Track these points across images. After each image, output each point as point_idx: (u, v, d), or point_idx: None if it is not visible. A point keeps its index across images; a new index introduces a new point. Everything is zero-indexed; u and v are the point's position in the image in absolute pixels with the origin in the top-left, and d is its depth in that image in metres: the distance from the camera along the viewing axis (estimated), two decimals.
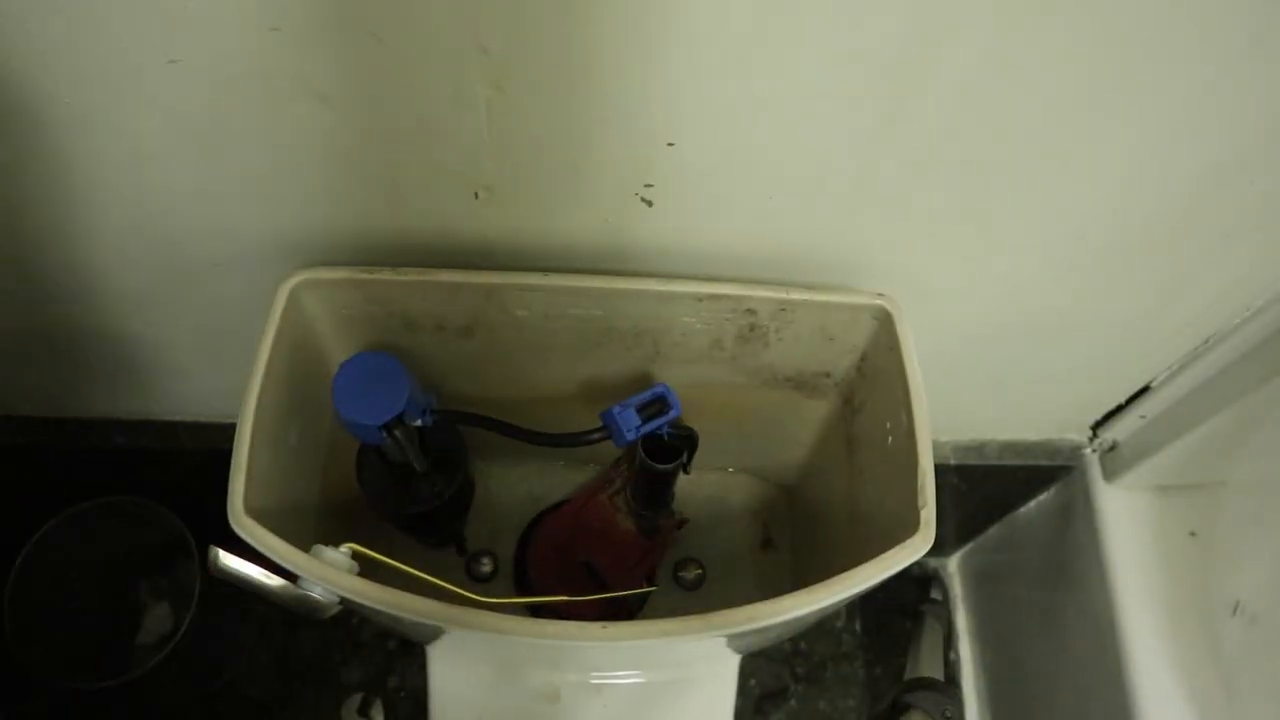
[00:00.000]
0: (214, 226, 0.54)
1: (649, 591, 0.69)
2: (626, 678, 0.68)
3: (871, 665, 1.15)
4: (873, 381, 0.59)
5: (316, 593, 0.45)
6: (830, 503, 0.68)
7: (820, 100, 0.43)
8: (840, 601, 0.47)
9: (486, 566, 0.69)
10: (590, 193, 0.50)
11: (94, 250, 0.56)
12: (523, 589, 0.68)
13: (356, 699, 1.06)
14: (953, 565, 1.17)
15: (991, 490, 0.92)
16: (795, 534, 0.76)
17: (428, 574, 0.49)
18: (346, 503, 0.60)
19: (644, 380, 0.64)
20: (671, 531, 0.69)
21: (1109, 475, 0.81)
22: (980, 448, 0.85)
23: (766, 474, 0.77)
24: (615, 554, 0.67)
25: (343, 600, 0.46)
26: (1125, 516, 0.80)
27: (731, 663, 0.68)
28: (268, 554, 0.44)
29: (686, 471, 0.65)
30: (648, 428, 0.55)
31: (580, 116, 0.44)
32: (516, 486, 0.73)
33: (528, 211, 0.52)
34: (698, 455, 0.62)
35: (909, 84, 0.42)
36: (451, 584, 0.50)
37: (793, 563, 0.75)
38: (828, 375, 0.64)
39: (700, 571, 0.73)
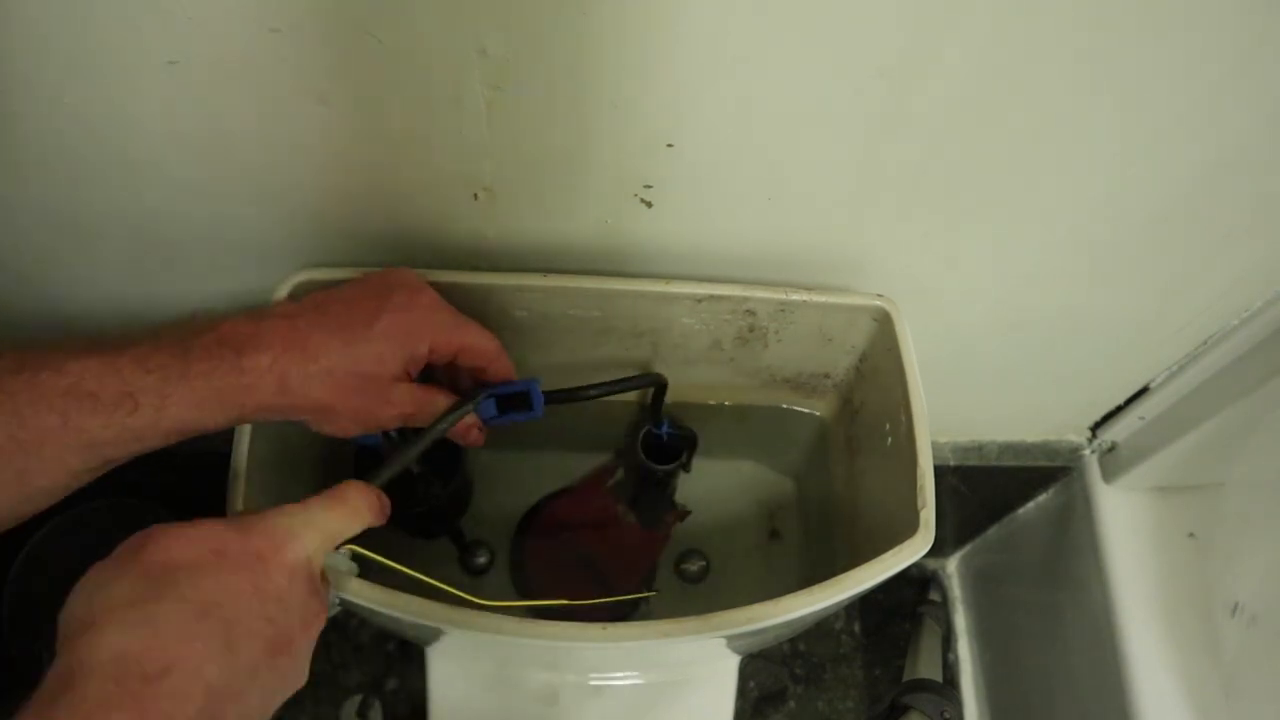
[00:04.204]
0: (213, 227, 0.54)
1: (650, 596, 0.69)
2: (625, 679, 0.67)
3: (870, 666, 1.15)
4: (872, 382, 0.59)
5: None
6: (831, 503, 0.68)
7: (820, 101, 0.43)
8: (840, 602, 0.47)
9: (482, 559, 0.69)
10: (589, 194, 0.50)
11: (93, 252, 0.56)
12: (519, 581, 0.68)
13: (355, 701, 1.06)
14: (952, 566, 1.17)
15: (991, 491, 0.92)
16: (803, 526, 0.76)
17: (424, 568, 0.49)
18: None
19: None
20: (673, 525, 0.69)
21: (1108, 476, 0.81)
22: (979, 449, 0.85)
23: (772, 465, 0.77)
24: (615, 547, 0.67)
25: (342, 601, 0.46)
26: (1124, 517, 0.80)
27: (731, 664, 0.68)
28: None
29: (686, 470, 0.65)
30: (501, 420, 0.53)
31: (580, 117, 0.44)
32: (513, 476, 0.73)
33: (527, 212, 0.52)
34: (700, 449, 0.63)
35: (908, 84, 0.42)
36: (448, 579, 0.50)
37: (800, 555, 0.74)
38: (827, 376, 0.64)
39: (704, 564, 0.73)
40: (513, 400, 0.51)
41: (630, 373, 0.63)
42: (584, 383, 0.53)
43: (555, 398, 0.52)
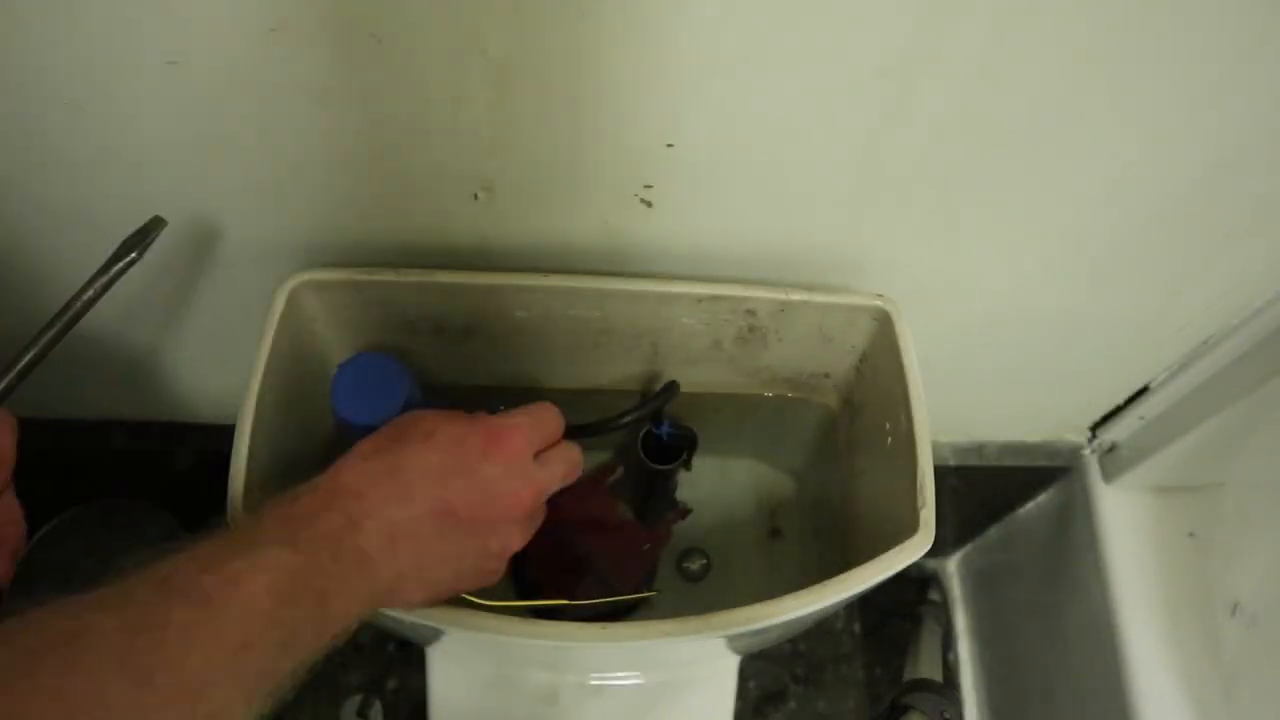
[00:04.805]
0: (213, 227, 0.54)
1: (649, 596, 0.69)
2: (625, 679, 0.67)
3: (871, 666, 1.15)
4: (872, 382, 0.59)
5: None
6: (831, 502, 0.68)
7: (820, 101, 0.43)
8: (840, 602, 0.47)
9: None
10: (590, 194, 0.50)
11: (92, 251, 0.56)
12: (518, 580, 0.68)
13: (356, 700, 1.06)
14: (952, 566, 1.17)
15: (991, 491, 0.92)
16: (803, 525, 0.76)
17: None
18: None
19: (643, 381, 0.64)
20: (674, 523, 0.69)
21: (1108, 476, 0.81)
22: (979, 449, 0.85)
23: (773, 464, 0.77)
24: (615, 545, 0.67)
25: None
26: (1124, 517, 0.80)
27: (731, 664, 0.68)
28: None
29: (687, 469, 0.65)
30: None
31: (580, 117, 0.44)
32: None
33: (527, 212, 0.52)
34: (701, 448, 0.63)
35: (908, 85, 0.42)
36: None
37: (801, 554, 0.74)
38: (827, 376, 0.64)
39: (705, 562, 0.73)
40: None
41: (630, 372, 0.63)
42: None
43: (576, 433, 0.51)
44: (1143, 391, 0.74)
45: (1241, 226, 0.54)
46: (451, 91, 0.42)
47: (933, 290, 0.60)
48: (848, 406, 0.65)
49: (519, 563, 0.68)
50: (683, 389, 0.58)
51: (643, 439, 0.62)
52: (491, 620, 0.44)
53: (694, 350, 0.60)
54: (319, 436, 0.59)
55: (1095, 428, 0.82)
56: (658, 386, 0.58)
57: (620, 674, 0.67)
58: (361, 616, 0.36)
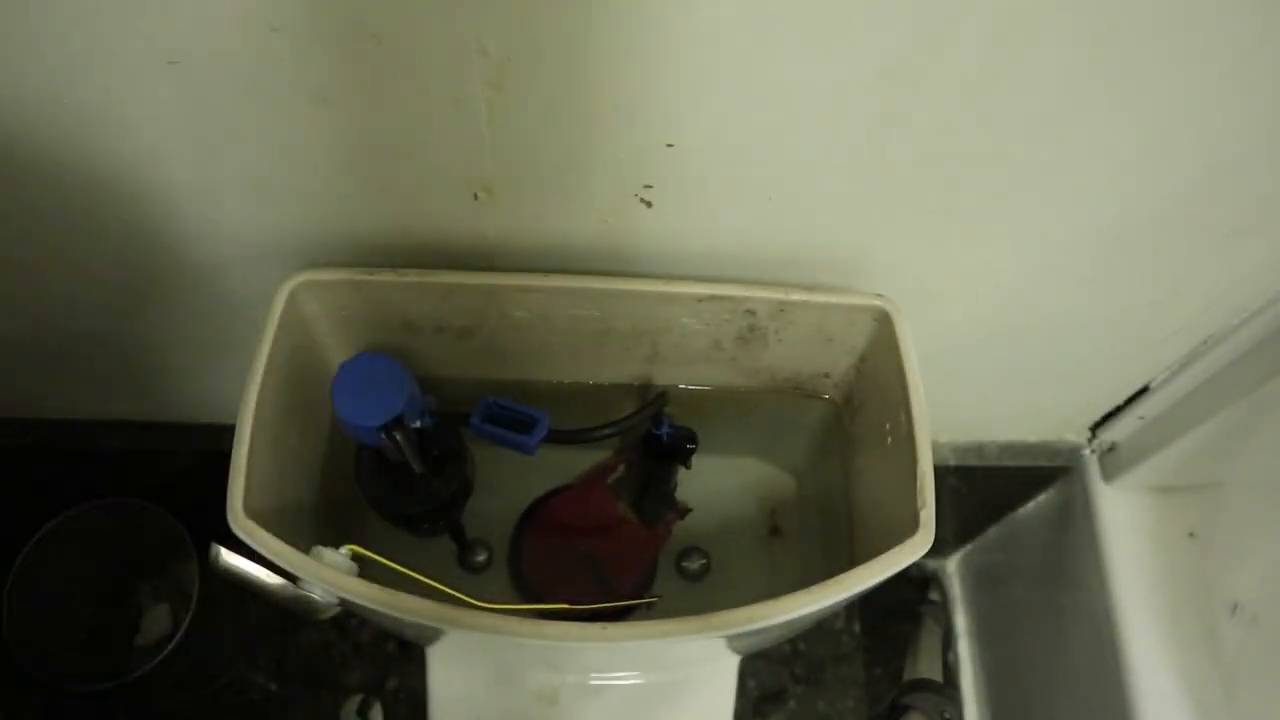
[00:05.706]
0: (213, 227, 0.54)
1: (653, 601, 0.69)
2: (625, 679, 0.67)
3: (870, 666, 1.15)
4: (872, 382, 0.59)
5: (316, 593, 0.45)
6: (831, 502, 0.68)
7: (820, 101, 0.43)
8: (840, 602, 0.47)
9: (480, 556, 0.69)
10: (590, 194, 0.50)
11: (93, 252, 0.56)
12: (518, 579, 0.68)
13: (355, 701, 1.06)
14: (952, 566, 1.17)
15: (990, 491, 0.92)
16: (803, 524, 0.76)
17: (424, 569, 0.49)
18: (346, 502, 0.60)
19: (643, 381, 0.64)
20: (673, 522, 0.69)
21: (1108, 476, 0.81)
22: (979, 448, 0.85)
23: (773, 463, 0.77)
24: (615, 545, 0.67)
25: (342, 601, 0.46)
26: (1124, 517, 0.80)
27: (731, 664, 0.68)
28: (268, 555, 0.44)
29: (687, 467, 0.65)
30: (484, 431, 0.55)
31: (580, 117, 0.44)
32: (513, 472, 0.72)
33: (527, 212, 0.52)
34: (701, 448, 0.63)
35: (908, 85, 0.42)
36: (447, 577, 0.50)
37: (801, 553, 0.75)
38: (827, 376, 0.64)
39: (705, 561, 0.73)
40: (511, 420, 0.51)
41: (630, 372, 0.63)
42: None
43: (558, 438, 0.52)
44: (1143, 391, 0.74)
45: (1241, 226, 0.54)
46: (451, 91, 0.42)
47: (933, 290, 0.60)
48: (848, 406, 0.65)
49: (519, 562, 0.68)
50: (683, 389, 0.59)
51: (644, 438, 0.63)
52: (492, 620, 0.44)
53: (694, 350, 0.60)
54: (319, 436, 0.59)
55: (1095, 428, 0.82)
56: (652, 393, 0.58)
57: (620, 674, 0.67)
58: None
